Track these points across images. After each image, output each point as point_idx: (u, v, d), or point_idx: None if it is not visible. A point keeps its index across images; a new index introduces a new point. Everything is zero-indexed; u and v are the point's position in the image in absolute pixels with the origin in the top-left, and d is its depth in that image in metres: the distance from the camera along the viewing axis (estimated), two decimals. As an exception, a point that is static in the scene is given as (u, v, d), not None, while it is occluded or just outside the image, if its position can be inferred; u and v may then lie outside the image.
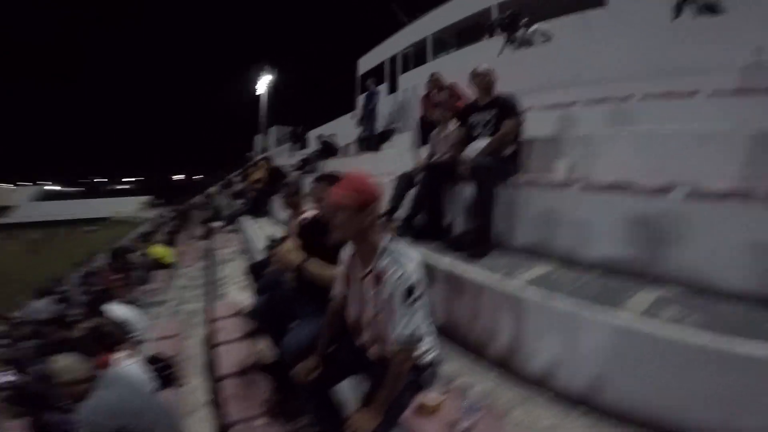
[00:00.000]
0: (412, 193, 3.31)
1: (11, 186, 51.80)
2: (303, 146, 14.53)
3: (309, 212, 2.40)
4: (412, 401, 1.59)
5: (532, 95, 4.79)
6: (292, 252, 1.91)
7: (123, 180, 66.41)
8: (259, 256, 4.20)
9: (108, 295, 5.75)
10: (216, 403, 2.53)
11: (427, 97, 5.47)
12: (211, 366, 2.96)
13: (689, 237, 2.06)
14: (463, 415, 1.78)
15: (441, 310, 2.51)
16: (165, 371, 2.82)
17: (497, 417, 1.79)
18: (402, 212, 3.35)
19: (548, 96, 5.16)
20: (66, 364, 2.04)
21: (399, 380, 1.40)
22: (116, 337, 3.19)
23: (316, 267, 1.85)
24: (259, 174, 8.90)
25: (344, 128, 11.61)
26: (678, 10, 5.61)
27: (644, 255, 2.20)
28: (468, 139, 3.15)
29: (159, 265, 7.61)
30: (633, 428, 1.63)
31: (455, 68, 5.64)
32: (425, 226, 3.15)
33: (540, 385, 1.96)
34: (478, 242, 2.70)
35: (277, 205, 6.78)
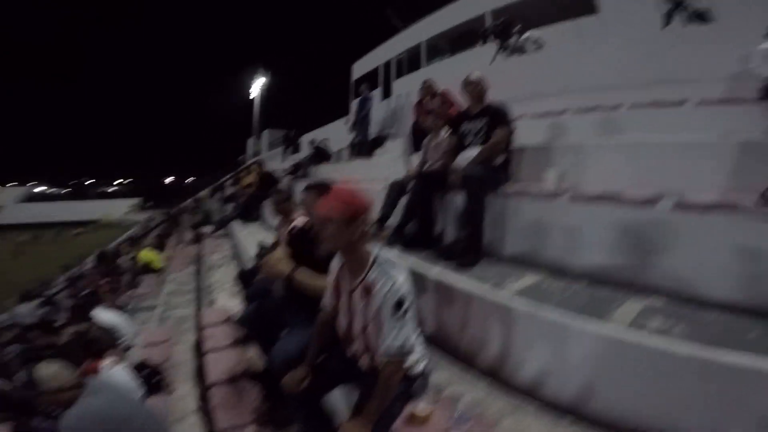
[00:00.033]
0: (403, 201, 3.32)
1: (-1, 186, 50.85)
2: (296, 150, 14.49)
3: (299, 220, 2.39)
4: (402, 411, 1.58)
5: (524, 103, 4.82)
6: (281, 261, 1.90)
7: (113, 182, 65.52)
8: (250, 263, 4.18)
9: (95, 300, 5.67)
10: (205, 410, 2.50)
11: (419, 104, 5.50)
12: (200, 373, 2.93)
13: (676, 247, 2.10)
14: (454, 425, 1.78)
15: (431, 319, 2.52)
16: (153, 378, 2.79)
17: (487, 427, 1.79)
18: (393, 220, 3.36)
19: (539, 104, 5.19)
20: (52, 371, 2.00)
21: (389, 391, 1.40)
22: (103, 343, 3.15)
23: (305, 277, 1.85)
24: (250, 178, 8.88)
25: (337, 133, 11.60)
26: (668, 18, 5.69)
27: (632, 265, 2.23)
28: (459, 147, 3.17)
29: (148, 269, 7.52)
30: (621, 437, 1.64)
31: (449, 74, 5.66)
32: (416, 235, 3.16)
33: (529, 394, 1.97)
34: (469, 251, 2.72)
35: (268, 211, 6.75)
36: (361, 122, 9.30)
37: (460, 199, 2.90)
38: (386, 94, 13.51)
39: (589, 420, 1.75)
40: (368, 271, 1.47)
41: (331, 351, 1.68)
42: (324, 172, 7.99)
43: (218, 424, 2.19)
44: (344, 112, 14.34)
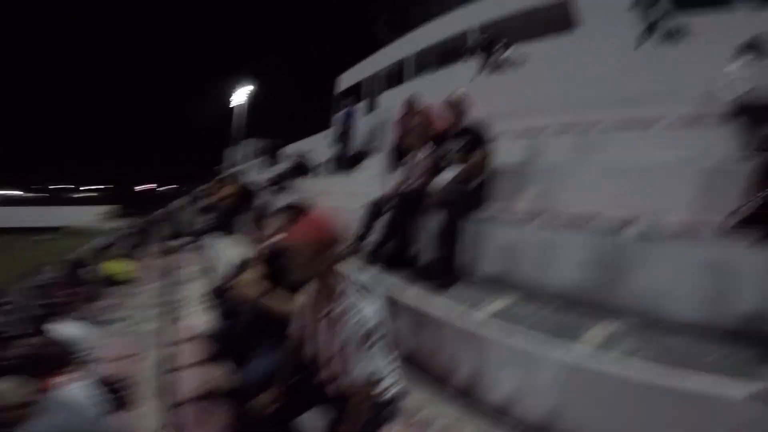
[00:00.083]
0: (381, 220, 3.32)
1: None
2: (275, 162, 14.34)
3: (274, 238, 2.36)
4: (374, 436, 1.56)
5: (503, 120, 4.82)
6: (249, 285, 1.88)
7: (83, 188, 62.86)
8: (224, 278, 4.06)
9: (56, 311, 5.40)
10: (171, 428, 2.39)
11: (401, 121, 5.53)
12: (167, 390, 2.81)
13: (644, 270, 2.18)
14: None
15: (406, 340, 2.51)
16: (116, 394, 2.65)
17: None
18: (371, 239, 3.35)
19: (518, 122, 5.12)
20: (4, 387, 1.88)
21: (359, 416, 1.39)
22: (62, 357, 2.97)
23: (273, 302, 1.82)
24: (227, 190, 8.69)
25: (320, 145, 11.54)
26: (644, 37, 5.64)
27: (602, 287, 2.30)
28: (439, 167, 3.21)
29: (115, 280, 7.22)
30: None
31: (436, 88, 5.59)
32: (394, 254, 3.16)
33: (501, 415, 1.98)
34: (445, 272, 2.74)
35: (244, 225, 6.61)
36: (345, 136, 9.31)
37: (437, 219, 2.93)
38: (371, 107, 13.57)
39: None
40: (337, 302, 1.46)
41: (302, 374, 1.65)
42: (303, 186, 7.91)
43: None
44: (329, 124, 14.32)
